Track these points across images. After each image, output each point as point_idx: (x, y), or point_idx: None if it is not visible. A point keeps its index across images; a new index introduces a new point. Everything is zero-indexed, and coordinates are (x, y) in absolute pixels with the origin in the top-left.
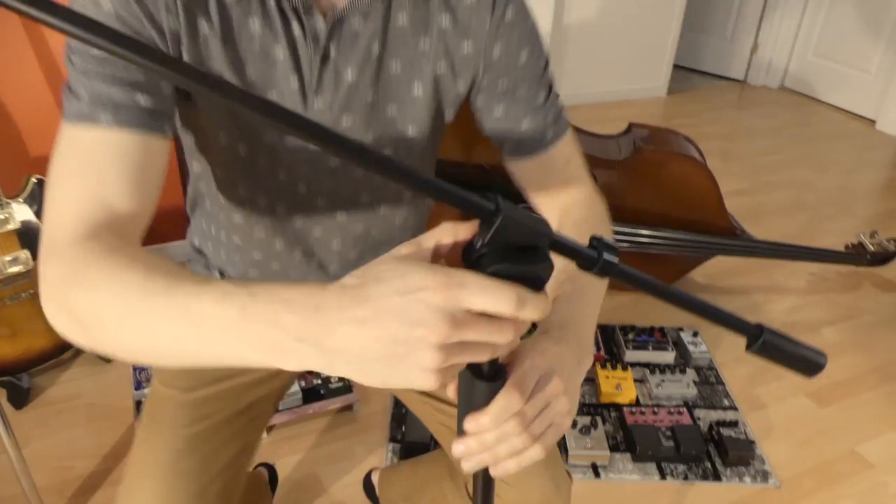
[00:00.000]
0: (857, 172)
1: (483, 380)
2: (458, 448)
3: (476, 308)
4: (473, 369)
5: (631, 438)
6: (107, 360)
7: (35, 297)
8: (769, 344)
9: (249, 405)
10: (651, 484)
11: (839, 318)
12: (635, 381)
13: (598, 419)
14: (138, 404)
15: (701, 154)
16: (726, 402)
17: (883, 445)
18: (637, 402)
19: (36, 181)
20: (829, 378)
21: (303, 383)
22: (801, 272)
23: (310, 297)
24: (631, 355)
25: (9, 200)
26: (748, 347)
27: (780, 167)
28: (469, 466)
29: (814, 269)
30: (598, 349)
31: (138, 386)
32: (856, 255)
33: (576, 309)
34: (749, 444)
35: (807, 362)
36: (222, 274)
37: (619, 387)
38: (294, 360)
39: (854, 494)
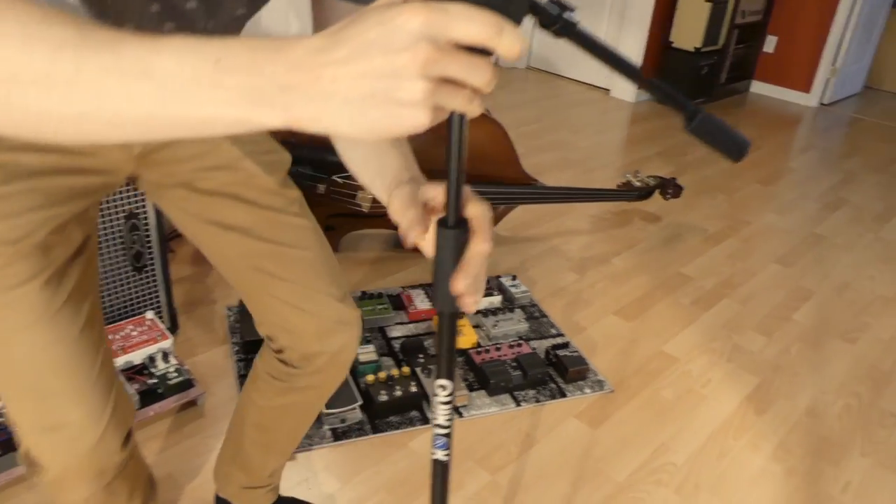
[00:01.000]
0: (604, 132)
1: (451, 228)
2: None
3: (457, 34)
4: (443, 221)
5: (483, 375)
6: None
7: None
8: (705, 122)
9: (82, 245)
10: (509, 412)
11: (622, 248)
12: (473, 326)
13: None
14: None
15: (489, 113)
16: (553, 331)
17: (680, 342)
18: (479, 345)
19: None
20: (628, 298)
21: (137, 385)
22: (584, 216)
23: (289, 45)
24: None
25: None
26: (687, 125)
27: (542, 133)
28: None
29: (593, 212)
30: (433, 304)
31: None
32: (627, 192)
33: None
34: (583, 360)
35: (735, 143)
36: None
37: (461, 333)
38: (278, 113)
39: (669, 385)
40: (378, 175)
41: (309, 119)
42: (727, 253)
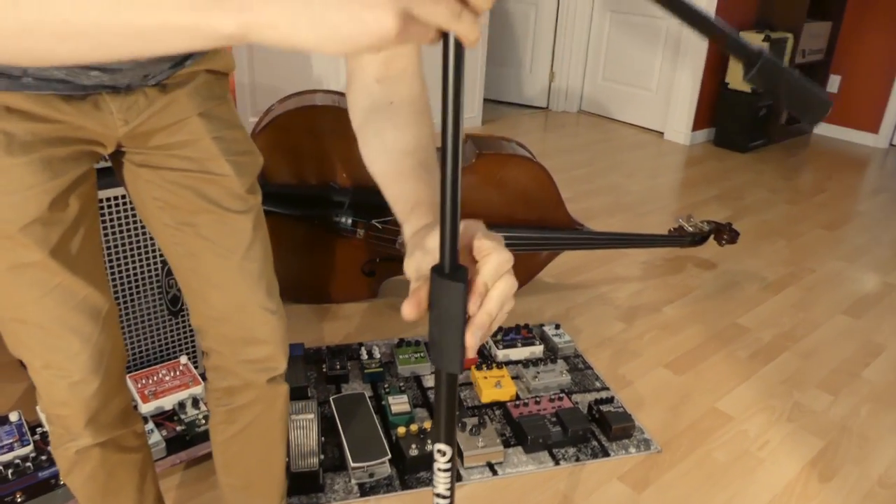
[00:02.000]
0: (658, 175)
1: (451, 279)
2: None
3: None
4: (438, 270)
5: (520, 431)
6: None
7: None
8: (768, 68)
9: (79, 215)
10: (547, 472)
11: (674, 296)
12: (512, 378)
13: (486, 418)
14: None
15: (534, 156)
16: (598, 384)
17: (736, 399)
18: (518, 397)
19: None
20: (679, 350)
21: (165, 432)
22: (635, 262)
23: None
24: (503, 354)
25: None
26: (746, 73)
27: (593, 177)
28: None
29: (644, 258)
30: None
31: None
32: (679, 237)
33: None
34: (629, 417)
35: (809, 100)
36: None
37: (499, 384)
38: (234, 16)
39: (723, 445)
40: (396, 200)
41: (266, 24)
42: (788, 302)
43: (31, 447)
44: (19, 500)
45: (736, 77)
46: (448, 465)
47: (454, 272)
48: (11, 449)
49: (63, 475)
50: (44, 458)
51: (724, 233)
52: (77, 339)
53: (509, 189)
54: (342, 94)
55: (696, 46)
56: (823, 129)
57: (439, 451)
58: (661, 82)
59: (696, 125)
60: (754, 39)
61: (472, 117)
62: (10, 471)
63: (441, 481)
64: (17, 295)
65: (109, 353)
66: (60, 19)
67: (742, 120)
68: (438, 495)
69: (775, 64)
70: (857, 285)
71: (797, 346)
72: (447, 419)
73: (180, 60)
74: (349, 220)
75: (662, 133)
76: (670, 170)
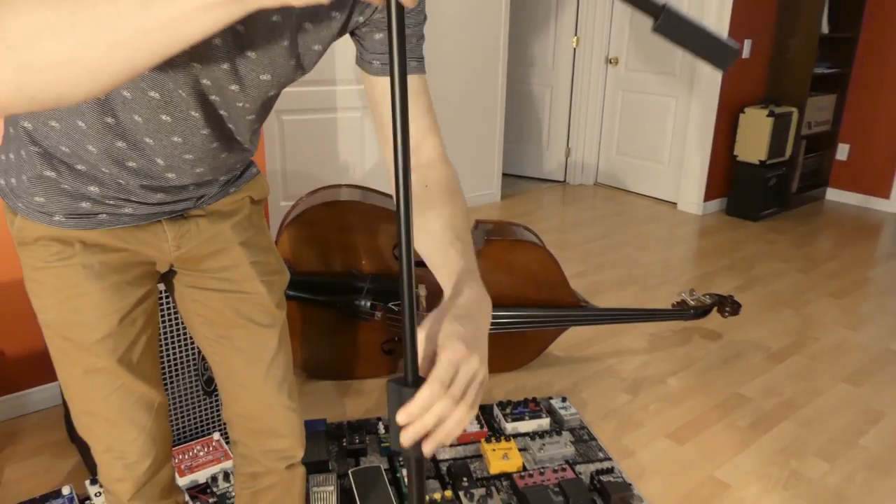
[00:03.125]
0: (670, 247)
1: (408, 386)
2: (405, 438)
3: None
4: (399, 380)
5: (525, 501)
6: None
7: None
8: (671, 20)
9: (143, 327)
10: None
11: (680, 368)
12: (519, 449)
13: (493, 489)
14: None
15: (540, 239)
16: (601, 455)
17: (733, 468)
18: (524, 468)
19: None
20: (682, 420)
21: None
22: (643, 334)
23: None
24: (511, 427)
25: None
26: (653, 26)
27: (607, 250)
28: (409, 442)
29: (652, 330)
30: (481, 427)
31: None
32: (681, 311)
33: (469, 272)
34: (628, 486)
35: (717, 45)
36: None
37: (507, 456)
38: None
39: None
40: (437, 270)
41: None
42: (791, 371)
43: None
44: None
45: (744, 150)
46: None
47: (415, 380)
48: None
49: None
50: None
51: (727, 305)
52: (134, 429)
53: (517, 272)
54: (364, 189)
55: (705, 120)
56: (836, 196)
57: None
58: (673, 155)
59: (709, 195)
60: (760, 114)
61: (491, 193)
62: None
63: None
64: (88, 393)
65: (159, 438)
66: (121, 37)
67: (753, 189)
68: None
69: (678, 16)
70: (860, 353)
71: (797, 415)
72: (418, 496)
73: (225, 184)
74: (368, 304)
75: (676, 204)
76: (683, 241)
